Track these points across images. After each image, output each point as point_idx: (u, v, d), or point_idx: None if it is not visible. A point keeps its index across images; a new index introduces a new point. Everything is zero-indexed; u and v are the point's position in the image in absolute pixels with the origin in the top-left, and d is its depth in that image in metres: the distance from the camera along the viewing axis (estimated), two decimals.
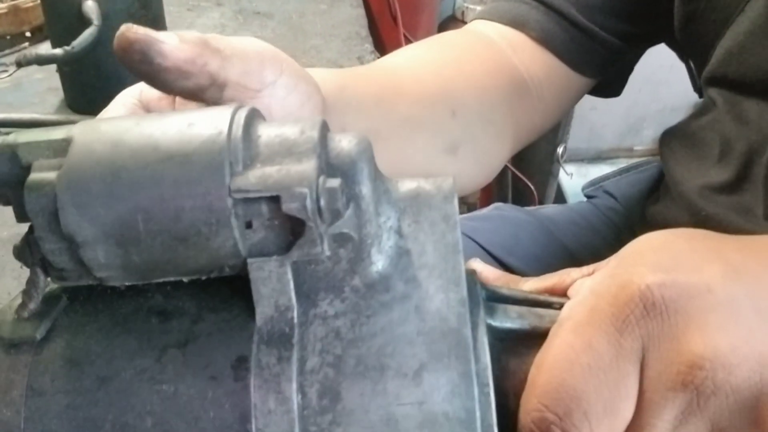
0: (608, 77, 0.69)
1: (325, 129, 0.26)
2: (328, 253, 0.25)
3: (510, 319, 0.29)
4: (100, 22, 0.76)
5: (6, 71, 0.94)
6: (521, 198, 1.77)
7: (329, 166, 0.25)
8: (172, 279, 0.26)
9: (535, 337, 0.28)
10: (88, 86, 0.83)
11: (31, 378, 0.25)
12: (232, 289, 0.26)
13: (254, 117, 0.26)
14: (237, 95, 0.36)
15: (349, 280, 0.26)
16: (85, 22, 0.76)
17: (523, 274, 0.71)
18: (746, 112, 0.54)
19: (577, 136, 1.97)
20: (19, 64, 0.78)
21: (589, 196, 0.82)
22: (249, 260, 0.24)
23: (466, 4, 1.83)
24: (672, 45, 0.67)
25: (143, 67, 0.33)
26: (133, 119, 0.26)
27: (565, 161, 1.75)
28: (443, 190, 0.28)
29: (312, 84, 0.40)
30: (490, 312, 0.29)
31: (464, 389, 0.24)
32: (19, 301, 0.26)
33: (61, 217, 0.24)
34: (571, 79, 0.65)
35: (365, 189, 0.26)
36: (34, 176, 0.24)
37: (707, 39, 0.57)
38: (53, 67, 0.85)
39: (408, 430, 0.24)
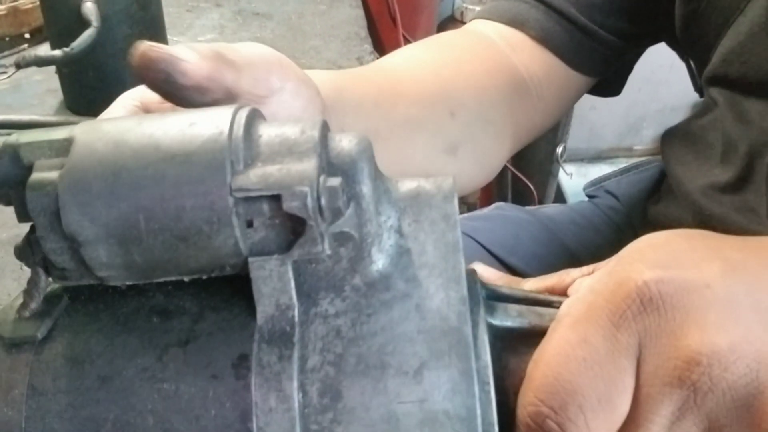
0: (608, 76, 0.69)
1: (325, 129, 0.26)
2: (328, 251, 0.25)
3: (510, 318, 0.29)
4: (99, 24, 0.76)
5: (5, 73, 0.93)
6: (521, 198, 1.77)
7: (330, 165, 0.25)
8: (173, 278, 0.26)
9: (535, 336, 0.28)
10: (88, 87, 0.83)
11: (33, 377, 0.25)
12: (233, 288, 0.26)
13: (255, 117, 0.26)
14: (246, 104, 0.36)
15: (349, 279, 0.26)
16: (84, 24, 0.76)
17: (524, 273, 0.71)
18: (748, 112, 0.54)
19: (576, 136, 1.97)
20: (19, 66, 0.78)
21: (590, 196, 0.82)
22: (250, 259, 0.24)
23: (465, 5, 1.83)
24: (672, 44, 0.67)
25: (164, 86, 0.34)
26: (134, 119, 0.26)
27: (565, 161, 1.75)
28: (443, 189, 0.28)
29: (313, 88, 0.40)
30: (490, 311, 0.29)
31: (465, 387, 0.24)
32: (20, 300, 0.26)
33: (63, 217, 0.24)
34: (570, 79, 0.65)
35: (366, 188, 0.26)
36: (36, 176, 0.24)
37: (708, 39, 0.57)
38: (52, 68, 0.85)
39: (409, 428, 0.24)
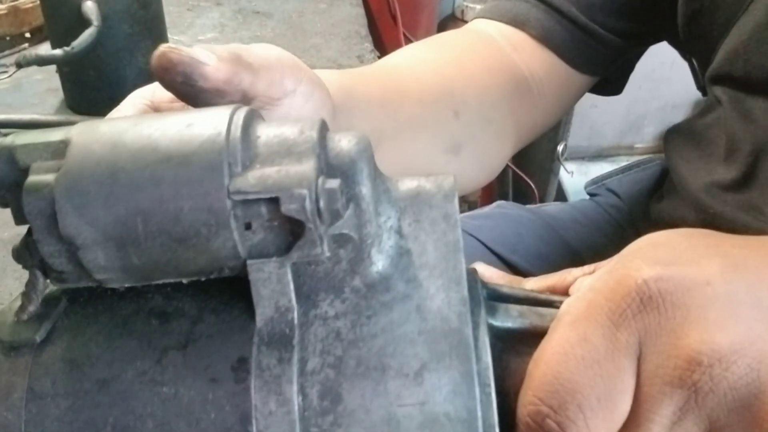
0: (609, 75, 0.69)
1: (324, 129, 0.26)
2: (328, 253, 0.24)
3: (511, 319, 0.29)
4: (100, 23, 0.76)
5: (6, 72, 0.93)
6: (522, 196, 1.77)
7: (329, 166, 0.25)
8: (172, 280, 0.25)
9: (536, 336, 0.28)
10: (88, 87, 0.83)
11: (32, 380, 0.25)
12: (233, 290, 0.26)
13: (253, 117, 0.26)
14: (261, 106, 0.36)
15: (349, 281, 0.26)
16: (85, 23, 0.76)
17: (526, 272, 0.71)
18: (752, 111, 0.54)
19: (577, 134, 1.97)
20: (19, 65, 0.78)
21: (591, 194, 0.82)
22: (249, 261, 0.24)
23: (465, 3, 1.83)
24: (674, 43, 0.67)
25: (183, 88, 0.34)
26: (131, 120, 0.26)
27: (566, 159, 1.75)
28: (444, 188, 0.28)
29: (325, 89, 0.40)
30: (491, 311, 0.29)
31: (466, 389, 0.24)
32: (18, 303, 0.26)
33: (60, 220, 0.24)
34: (571, 78, 0.65)
35: (365, 189, 0.25)
36: (32, 179, 0.24)
37: (711, 38, 0.57)
38: (53, 67, 0.85)
39: (409, 430, 0.24)
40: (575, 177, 1.84)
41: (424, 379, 0.24)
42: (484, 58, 0.61)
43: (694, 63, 0.67)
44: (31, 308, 0.26)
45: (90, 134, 0.25)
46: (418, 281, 0.26)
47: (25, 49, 0.98)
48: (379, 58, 0.73)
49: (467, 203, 1.67)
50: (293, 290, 0.25)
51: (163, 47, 0.33)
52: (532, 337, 0.28)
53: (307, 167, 0.24)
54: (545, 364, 0.26)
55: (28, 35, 1.00)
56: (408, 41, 1.55)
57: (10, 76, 0.93)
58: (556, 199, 1.83)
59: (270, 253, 0.24)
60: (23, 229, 0.26)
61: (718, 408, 0.25)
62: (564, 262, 0.72)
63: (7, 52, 0.97)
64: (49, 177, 0.24)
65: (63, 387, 0.25)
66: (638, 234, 0.29)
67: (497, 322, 0.28)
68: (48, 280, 0.26)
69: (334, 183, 0.24)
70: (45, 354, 0.25)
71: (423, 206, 0.27)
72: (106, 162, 0.24)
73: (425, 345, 0.24)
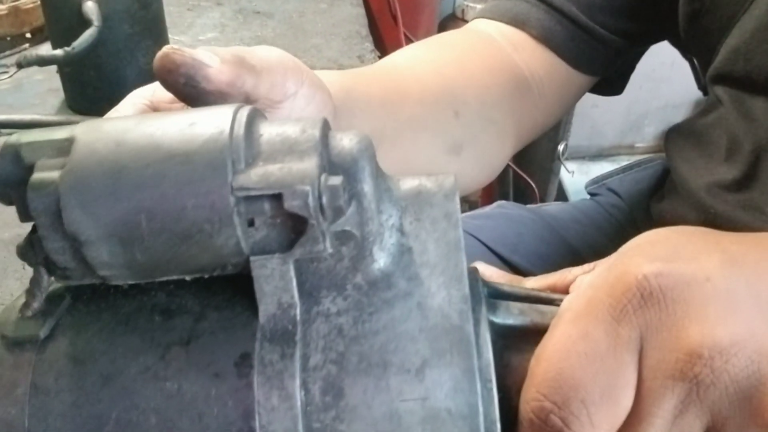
0: (610, 75, 0.69)
1: (326, 127, 0.26)
2: (330, 250, 0.25)
3: (512, 316, 0.29)
4: (101, 23, 0.76)
5: (6, 72, 0.93)
6: (523, 196, 1.77)
7: (331, 164, 0.25)
8: (175, 277, 0.26)
9: (537, 333, 0.28)
10: (89, 87, 0.83)
11: (35, 376, 0.25)
12: (235, 287, 0.26)
13: (256, 116, 0.26)
14: (262, 108, 0.36)
15: (351, 278, 0.26)
16: (86, 23, 0.76)
17: (527, 271, 0.71)
18: (753, 110, 0.54)
19: (578, 134, 1.97)
20: (20, 65, 0.78)
21: (592, 194, 0.82)
22: (252, 258, 0.24)
23: (466, 3, 1.83)
24: (675, 43, 0.67)
25: (186, 90, 0.34)
26: (135, 119, 0.26)
27: (567, 159, 1.75)
28: (445, 187, 0.28)
29: (326, 91, 0.40)
30: (492, 309, 0.29)
31: (467, 385, 0.24)
32: (23, 300, 0.26)
33: (65, 216, 0.24)
34: (572, 77, 0.65)
35: (367, 187, 0.26)
36: (37, 176, 0.24)
37: (712, 37, 0.57)
38: (54, 68, 0.85)
39: (411, 426, 0.24)
40: (576, 177, 1.84)
41: (426, 376, 0.24)
42: (484, 58, 0.61)
43: (695, 63, 0.67)
44: (35, 305, 0.26)
45: (94, 132, 0.25)
46: (419, 279, 0.26)
47: (25, 49, 0.98)
48: (380, 58, 0.73)
49: (468, 203, 1.67)
50: (296, 287, 0.25)
51: (166, 48, 0.33)
52: (533, 334, 0.28)
53: (309, 164, 0.24)
54: (547, 360, 0.26)
55: (28, 35, 1.00)
56: (408, 41, 1.55)
57: (10, 76, 0.93)
58: (557, 199, 1.83)
59: (273, 249, 0.24)
60: (24, 230, 0.26)
61: (719, 401, 0.25)
62: (565, 262, 0.71)
63: (7, 53, 0.97)
64: (54, 174, 0.24)
65: (66, 383, 0.25)
66: (639, 234, 0.29)
67: (498, 320, 0.29)
68: (52, 278, 0.26)
69: (336, 180, 0.24)
70: (48, 350, 0.26)
71: (424, 205, 0.27)
72: (110, 159, 0.24)
73: (426, 342, 0.25)
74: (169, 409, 0.24)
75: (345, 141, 0.26)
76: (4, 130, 0.80)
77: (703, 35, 0.58)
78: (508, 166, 1.67)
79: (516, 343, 0.28)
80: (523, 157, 1.71)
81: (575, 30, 0.63)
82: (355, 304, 0.25)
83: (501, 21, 0.64)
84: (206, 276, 0.26)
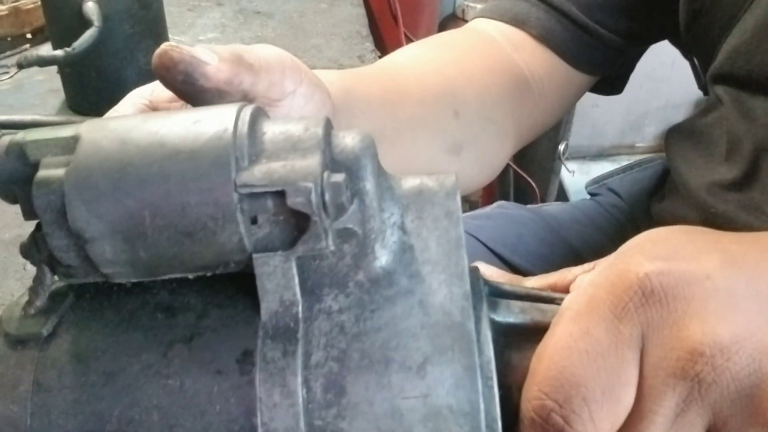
0: (610, 75, 0.69)
1: (329, 126, 0.26)
2: (332, 247, 0.25)
3: (513, 314, 0.29)
4: (101, 23, 0.76)
5: (7, 73, 0.94)
6: (523, 196, 1.77)
7: (333, 162, 0.25)
8: (178, 275, 0.26)
9: (538, 332, 0.28)
10: (89, 87, 0.83)
11: (38, 374, 0.25)
12: (237, 285, 0.26)
13: (259, 114, 0.26)
14: (261, 106, 0.36)
15: (353, 276, 0.26)
16: (86, 23, 0.76)
17: (527, 272, 0.71)
18: (753, 110, 0.54)
19: (578, 134, 1.97)
20: (20, 66, 0.78)
21: (592, 194, 0.82)
22: (254, 255, 0.24)
23: (466, 2, 1.83)
24: (675, 42, 0.67)
25: (184, 87, 0.34)
26: (139, 117, 0.26)
27: (567, 158, 1.75)
28: (446, 186, 0.28)
29: (325, 91, 0.40)
30: (493, 307, 0.29)
31: (468, 382, 0.24)
32: (26, 298, 0.27)
33: (69, 213, 0.24)
34: (572, 77, 0.65)
35: (369, 185, 0.26)
36: (42, 173, 0.25)
37: (713, 37, 0.57)
38: (54, 68, 0.85)
39: (412, 423, 0.24)
40: (576, 176, 1.84)
41: (427, 373, 0.24)
42: (484, 58, 0.61)
43: (696, 62, 0.67)
44: (38, 303, 0.26)
45: (99, 131, 0.25)
46: (420, 276, 0.26)
47: (26, 49, 0.98)
48: (380, 57, 0.73)
49: (468, 203, 1.67)
50: (298, 284, 0.25)
51: (164, 46, 0.33)
52: (534, 332, 0.28)
53: (312, 162, 0.24)
54: (549, 358, 0.26)
55: (29, 36, 1.00)
56: (409, 41, 1.55)
57: (11, 76, 0.93)
58: (557, 199, 1.83)
59: (275, 247, 0.25)
60: (24, 230, 0.26)
61: (720, 399, 0.25)
62: (565, 263, 0.71)
63: (8, 53, 0.98)
64: (59, 172, 0.24)
65: (69, 380, 0.25)
66: (639, 233, 0.29)
67: (499, 318, 0.29)
68: (55, 276, 0.26)
69: (339, 177, 0.24)
70: (51, 348, 0.26)
71: (425, 203, 0.27)
72: (114, 157, 0.24)
73: (428, 339, 0.25)
74: (172, 407, 0.24)
75: (347, 139, 0.26)
76: (5, 131, 0.80)
77: (703, 35, 0.58)
78: (508, 165, 1.67)
79: (517, 342, 0.28)
80: (523, 156, 1.71)
81: (575, 29, 0.63)
82: (357, 302, 0.25)
83: (501, 20, 0.64)
84: (209, 274, 0.26)
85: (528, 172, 1.74)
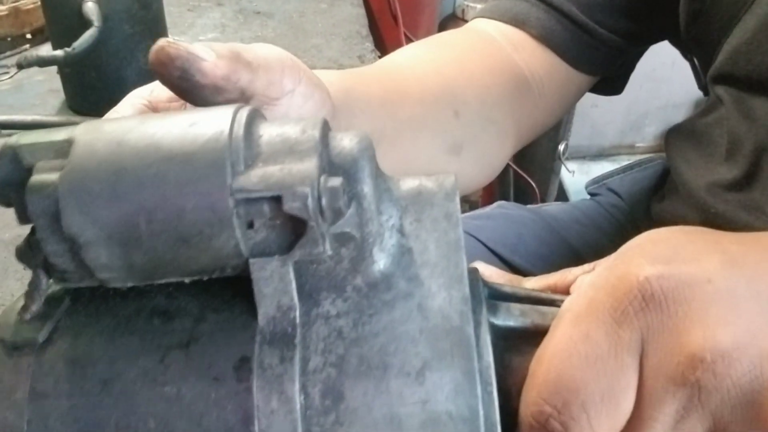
0: (610, 75, 0.69)
1: (326, 128, 0.26)
2: (329, 252, 0.24)
3: (512, 317, 0.29)
4: (101, 23, 0.76)
5: (7, 73, 0.94)
6: (523, 196, 1.77)
7: (331, 164, 0.25)
8: (174, 280, 0.26)
9: (538, 335, 0.28)
10: (89, 87, 0.83)
11: (34, 380, 0.25)
12: (234, 289, 0.26)
13: (256, 116, 0.26)
14: (259, 105, 0.36)
15: (351, 279, 0.26)
16: (86, 24, 0.76)
17: (527, 272, 0.71)
18: (754, 110, 0.54)
19: (578, 134, 1.97)
20: (20, 66, 0.78)
21: (592, 194, 0.82)
22: (251, 260, 0.24)
23: (466, 2, 1.83)
24: (675, 43, 0.67)
25: (181, 83, 0.34)
26: (135, 120, 0.26)
27: (567, 158, 1.75)
28: (445, 187, 0.28)
29: (324, 90, 0.40)
30: (493, 310, 0.29)
31: (467, 388, 0.24)
32: (21, 303, 0.26)
33: (63, 219, 0.24)
34: (572, 77, 0.65)
35: (367, 187, 0.25)
36: (36, 178, 0.24)
37: (713, 37, 0.57)
38: (54, 68, 0.85)
39: (411, 429, 0.24)
40: (576, 176, 1.84)
41: (426, 378, 0.24)
42: (484, 58, 0.60)
43: (696, 63, 0.67)
44: (34, 308, 0.26)
45: (94, 133, 0.25)
46: (419, 280, 0.26)
47: (26, 50, 0.98)
48: (380, 57, 0.73)
49: (468, 203, 1.67)
50: (295, 289, 0.25)
51: (161, 41, 0.33)
52: (534, 335, 0.28)
53: (309, 165, 0.24)
54: (548, 362, 0.26)
55: (29, 36, 1.00)
56: (409, 41, 1.55)
57: (11, 77, 0.93)
58: (557, 199, 1.83)
59: (272, 251, 0.24)
60: (24, 230, 0.26)
61: (721, 405, 0.25)
62: (565, 263, 0.71)
63: (8, 53, 0.97)
64: (53, 176, 0.24)
65: (65, 387, 0.25)
66: (639, 233, 0.29)
67: (499, 321, 0.28)
68: (51, 280, 0.26)
69: (336, 181, 0.24)
70: (47, 354, 0.25)
71: (424, 205, 0.27)
72: (109, 161, 0.24)
73: (427, 343, 0.24)
74: (169, 414, 0.24)
75: (345, 141, 0.26)
76: (5, 131, 0.80)
77: (703, 35, 0.58)
78: (508, 165, 1.67)
79: (517, 345, 0.28)
80: (523, 157, 1.71)
81: (575, 30, 0.63)
82: (355, 306, 0.25)
83: (501, 21, 0.64)
84: (205, 278, 0.25)
85: (528, 172, 1.74)
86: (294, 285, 0.25)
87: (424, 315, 0.25)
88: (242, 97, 0.35)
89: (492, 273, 0.36)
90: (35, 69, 0.83)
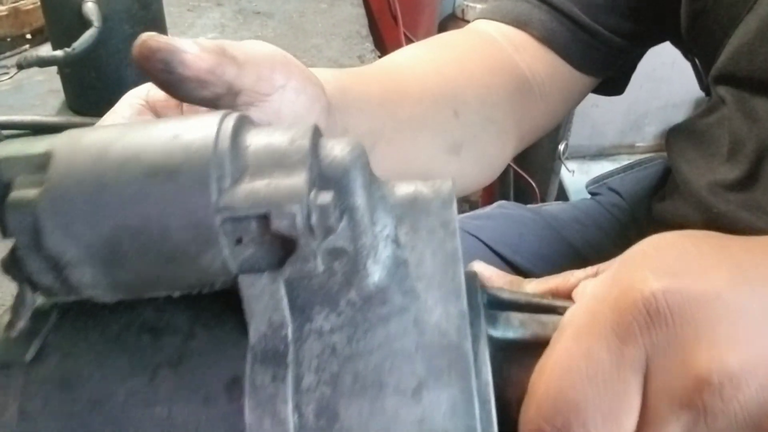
0: (612, 75, 0.69)
1: (317, 136, 0.25)
2: (321, 268, 0.24)
3: (512, 328, 0.28)
4: (101, 24, 0.76)
5: (7, 73, 0.93)
6: (523, 195, 1.77)
7: (321, 176, 0.24)
8: (163, 294, 0.25)
9: (538, 346, 0.27)
10: (89, 87, 0.83)
11: (23, 400, 0.24)
12: (225, 302, 0.25)
13: (242, 125, 0.25)
14: (250, 101, 0.36)
15: (344, 293, 0.25)
16: (86, 24, 0.76)
17: (529, 272, 0.71)
18: (756, 110, 0.54)
19: (578, 133, 1.97)
20: (20, 66, 0.78)
21: (593, 194, 0.82)
22: (240, 277, 0.23)
23: (466, 2, 1.83)
24: (677, 43, 0.67)
25: (164, 76, 0.33)
26: (117, 130, 0.25)
27: (567, 158, 1.75)
28: (441, 194, 0.27)
29: (319, 86, 0.40)
30: (492, 321, 0.28)
31: (465, 407, 0.23)
32: (7, 317, 0.26)
33: (44, 238, 0.23)
34: (574, 78, 0.65)
35: (359, 200, 0.25)
36: (14, 194, 0.23)
37: (715, 37, 0.56)
38: (54, 68, 0.85)
39: None
40: (576, 176, 1.84)
41: (423, 397, 0.23)
42: (484, 58, 0.60)
43: (697, 63, 0.66)
44: (21, 324, 0.25)
45: (73, 146, 0.24)
46: (415, 293, 0.25)
47: (26, 50, 0.97)
48: (380, 57, 0.73)
49: (468, 203, 1.67)
50: (287, 305, 0.24)
51: (143, 36, 0.33)
52: (534, 346, 0.27)
53: (298, 180, 0.23)
54: (548, 378, 0.26)
55: (28, 36, 1.00)
56: (409, 41, 1.55)
57: (11, 77, 0.93)
58: (558, 199, 1.83)
59: (261, 267, 0.23)
60: None
61: (727, 429, 0.24)
62: (566, 262, 0.71)
63: (8, 54, 0.97)
64: (32, 192, 0.23)
65: (55, 407, 0.24)
66: (641, 233, 0.29)
67: (498, 333, 0.28)
68: (38, 292, 0.25)
69: (326, 197, 0.23)
70: (36, 372, 0.25)
71: (420, 213, 0.26)
72: (90, 176, 0.23)
73: (423, 361, 0.24)
74: None
75: (336, 150, 0.25)
76: (4, 131, 0.80)
77: (705, 35, 0.58)
78: (508, 165, 1.67)
79: (516, 357, 0.28)
80: (523, 156, 1.70)
81: (578, 31, 0.62)
82: (349, 321, 0.24)
83: (502, 22, 0.64)
84: (195, 292, 0.25)
85: (528, 172, 1.74)
86: (285, 301, 0.24)
87: (420, 330, 0.24)
88: (230, 93, 0.35)
89: (492, 274, 0.36)
90: (35, 69, 0.83)
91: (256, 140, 0.24)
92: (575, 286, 0.32)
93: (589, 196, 0.83)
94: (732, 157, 0.56)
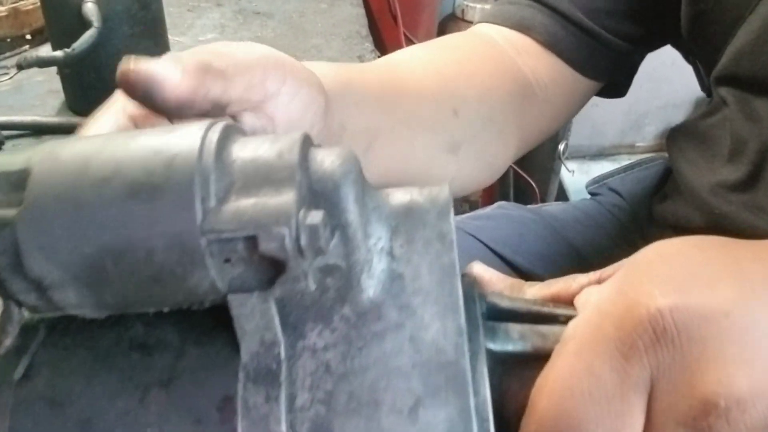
0: (615, 79, 0.68)
1: (306, 146, 0.24)
2: (313, 287, 0.23)
3: (512, 342, 0.27)
4: (101, 24, 0.76)
5: (7, 74, 0.93)
6: (523, 195, 1.77)
7: (311, 191, 0.23)
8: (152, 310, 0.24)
9: (539, 359, 0.27)
10: (89, 88, 0.83)
11: (13, 420, 0.24)
12: (215, 317, 0.24)
13: (228, 136, 0.24)
14: (240, 109, 0.36)
15: (338, 309, 0.24)
16: (86, 24, 0.75)
17: (529, 272, 0.71)
18: (758, 111, 0.54)
19: (578, 133, 1.97)
20: (20, 67, 0.77)
21: (593, 194, 0.82)
22: (230, 296, 0.23)
23: (466, 3, 1.83)
24: (678, 46, 0.67)
25: (147, 103, 0.33)
26: (97, 143, 0.24)
27: (567, 158, 1.75)
28: (438, 204, 0.26)
29: (315, 85, 0.39)
30: (491, 333, 0.27)
31: (463, 426, 0.23)
32: None
33: (25, 261, 0.22)
34: (577, 82, 0.64)
35: (351, 215, 0.24)
36: None
37: (717, 39, 0.56)
38: (54, 69, 0.85)
39: None
40: (576, 176, 1.84)
41: (419, 416, 0.23)
42: (485, 60, 0.60)
43: (698, 65, 0.66)
44: (8, 341, 0.25)
45: (51, 162, 0.23)
46: (411, 308, 0.24)
47: (25, 50, 0.97)
48: (380, 57, 0.73)
49: (468, 203, 1.67)
50: (278, 324, 0.23)
51: (123, 67, 0.33)
52: (535, 359, 0.27)
53: (286, 199, 0.22)
54: (548, 396, 0.25)
55: (28, 37, 1.00)
56: (408, 41, 1.55)
57: (10, 77, 0.93)
58: (558, 199, 1.83)
59: (251, 286, 0.23)
60: None
61: None
62: (566, 263, 0.71)
63: (7, 54, 0.97)
64: (10, 212, 0.22)
65: (45, 428, 0.23)
66: (641, 234, 0.28)
67: (497, 346, 0.27)
68: (24, 309, 0.25)
69: (316, 217, 0.22)
70: (25, 391, 0.24)
71: (416, 224, 0.26)
72: (69, 195, 0.22)
73: (420, 379, 0.23)
74: None
75: (326, 163, 0.24)
76: (4, 132, 0.80)
77: (707, 37, 0.58)
78: (509, 166, 1.67)
79: (516, 370, 0.27)
80: (523, 156, 1.69)
81: (580, 35, 0.62)
82: (343, 338, 0.24)
83: (505, 26, 0.64)
84: (185, 307, 0.24)
85: (528, 172, 1.74)
86: (277, 320, 0.23)
87: (416, 347, 0.23)
88: (216, 108, 0.34)
89: (492, 276, 0.35)
90: (35, 70, 0.83)
91: (242, 154, 0.23)
92: (578, 292, 0.31)
93: (589, 196, 0.83)
94: (734, 158, 0.56)
